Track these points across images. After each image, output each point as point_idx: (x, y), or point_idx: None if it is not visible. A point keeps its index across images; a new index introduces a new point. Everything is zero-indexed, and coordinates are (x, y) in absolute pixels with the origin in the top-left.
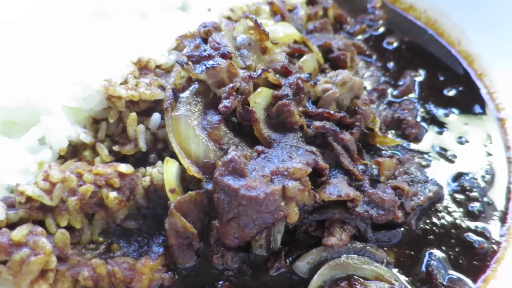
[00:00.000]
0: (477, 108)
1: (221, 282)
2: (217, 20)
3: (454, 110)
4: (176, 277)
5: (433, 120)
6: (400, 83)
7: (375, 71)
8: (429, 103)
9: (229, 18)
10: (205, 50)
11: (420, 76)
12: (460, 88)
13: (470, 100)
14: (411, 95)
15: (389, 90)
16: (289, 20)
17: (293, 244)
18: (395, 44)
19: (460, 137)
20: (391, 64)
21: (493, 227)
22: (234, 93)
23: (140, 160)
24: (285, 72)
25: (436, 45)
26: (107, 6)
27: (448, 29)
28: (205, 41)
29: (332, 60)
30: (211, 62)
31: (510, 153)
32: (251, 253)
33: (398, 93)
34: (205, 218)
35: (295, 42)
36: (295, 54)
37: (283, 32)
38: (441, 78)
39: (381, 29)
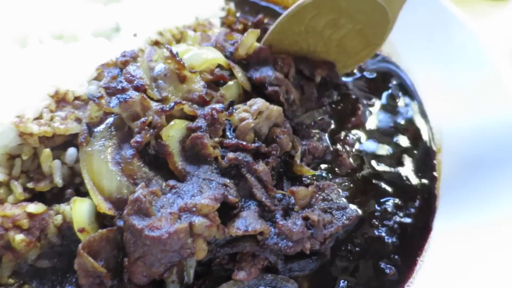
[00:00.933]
0: (418, 141)
1: None
2: (143, 46)
3: (398, 140)
4: None
5: (372, 151)
6: (350, 113)
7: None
8: (374, 135)
9: (157, 43)
10: (120, 82)
11: (373, 106)
12: (409, 114)
13: (413, 131)
14: (364, 128)
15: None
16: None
17: (207, 277)
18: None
19: (395, 167)
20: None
21: (407, 255)
22: (147, 127)
23: (57, 195)
24: (202, 102)
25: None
26: (29, 33)
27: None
28: (122, 72)
29: (267, 97)
30: (124, 95)
31: (436, 184)
32: None
33: (348, 125)
34: (119, 255)
35: (220, 68)
36: (220, 81)
37: (204, 58)
38: (394, 104)
39: None
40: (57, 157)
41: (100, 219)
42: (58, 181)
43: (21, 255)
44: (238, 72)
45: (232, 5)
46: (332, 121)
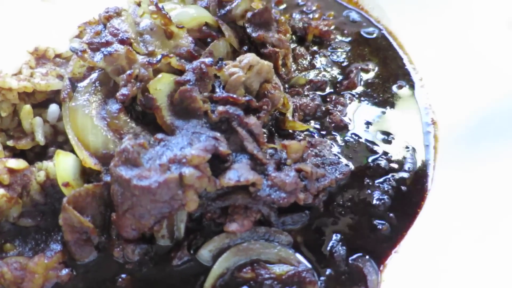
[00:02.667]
0: (411, 106)
1: (123, 276)
2: (127, 6)
3: (389, 107)
4: (75, 273)
5: (365, 114)
6: (345, 76)
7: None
8: (369, 98)
9: (139, 4)
10: (104, 36)
11: (367, 70)
12: (401, 83)
13: (408, 97)
14: (357, 90)
15: (333, 84)
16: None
17: (198, 233)
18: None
19: (387, 132)
20: (338, 58)
21: (400, 212)
22: (133, 81)
23: (39, 154)
24: (190, 57)
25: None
26: None
27: (369, 8)
28: (106, 27)
29: (264, 56)
30: (108, 48)
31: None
32: (155, 244)
33: (341, 87)
34: (107, 211)
35: (208, 26)
36: (207, 39)
37: (192, 15)
38: (385, 70)
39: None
40: (39, 115)
41: (86, 176)
42: (40, 139)
43: (2, 212)
44: (226, 30)
45: None
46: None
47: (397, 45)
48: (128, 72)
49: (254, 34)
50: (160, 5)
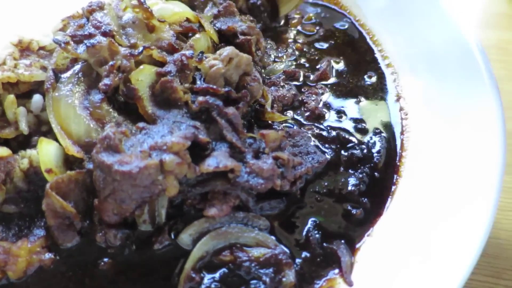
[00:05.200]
0: (381, 95)
1: (105, 259)
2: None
3: (362, 97)
4: (58, 258)
5: (338, 103)
6: (318, 66)
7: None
8: (341, 88)
9: None
10: (87, 29)
11: (338, 61)
12: (371, 73)
13: (378, 86)
14: (329, 81)
15: (306, 75)
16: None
17: (179, 218)
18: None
19: (360, 120)
20: (309, 49)
21: (373, 197)
22: (115, 71)
23: (23, 143)
24: (171, 50)
25: (345, 25)
26: None
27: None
28: (89, 20)
29: (238, 46)
30: (91, 40)
31: (403, 136)
32: (137, 230)
33: (314, 78)
34: (89, 198)
35: (188, 21)
36: (188, 33)
37: (173, 10)
38: (356, 61)
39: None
40: (23, 105)
41: (69, 164)
42: (24, 128)
43: None
44: (207, 25)
45: None
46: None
47: (366, 34)
48: (111, 63)
49: (223, 27)
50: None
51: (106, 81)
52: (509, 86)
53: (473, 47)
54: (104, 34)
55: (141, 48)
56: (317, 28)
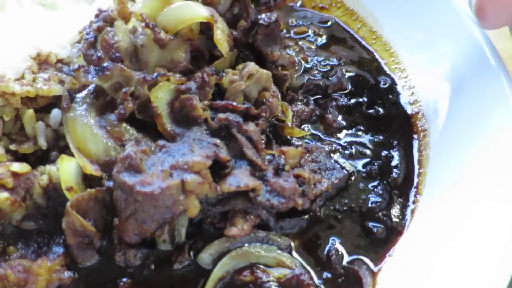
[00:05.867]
0: (396, 106)
1: (124, 279)
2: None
3: (379, 107)
4: (77, 276)
5: (356, 116)
6: (332, 79)
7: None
8: (358, 99)
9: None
10: (96, 51)
11: (351, 71)
12: (386, 85)
13: (395, 98)
14: (345, 91)
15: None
16: None
17: (198, 237)
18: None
19: (376, 134)
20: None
21: (395, 216)
22: (129, 98)
23: (41, 158)
24: (188, 72)
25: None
26: None
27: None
28: (98, 40)
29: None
30: (101, 67)
31: (418, 152)
32: (156, 249)
33: (331, 89)
34: (108, 216)
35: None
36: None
37: (179, 18)
38: (365, 69)
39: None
40: (41, 119)
41: (88, 182)
42: (42, 143)
43: (5, 215)
44: (218, 29)
45: None
46: (320, 83)
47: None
48: (124, 90)
49: (266, 51)
50: (151, 22)
51: (121, 110)
52: None
53: (495, 66)
54: (113, 59)
55: (155, 74)
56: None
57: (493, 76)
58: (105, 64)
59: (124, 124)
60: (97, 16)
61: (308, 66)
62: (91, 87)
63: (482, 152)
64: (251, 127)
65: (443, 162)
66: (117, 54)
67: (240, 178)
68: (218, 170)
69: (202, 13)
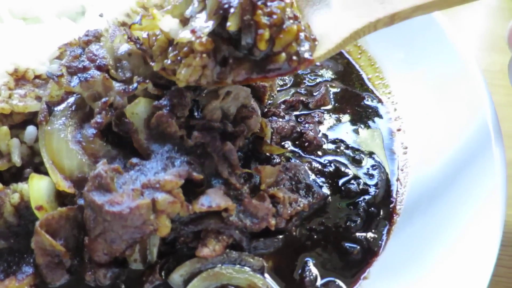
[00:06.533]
0: (380, 124)
1: None
2: (109, 27)
3: (361, 124)
4: None
5: (338, 132)
6: (316, 94)
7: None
8: (340, 115)
9: (124, 24)
10: (82, 61)
11: (335, 86)
12: (370, 100)
13: (377, 115)
14: (328, 107)
15: (305, 102)
16: None
17: (171, 256)
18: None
19: (357, 152)
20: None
21: (372, 236)
22: (108, 108)
23: (15, 175)
24: (167, 84)
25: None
26: None
27: None
28: (85, 51)
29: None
30: (85, 74)
31: (398, 170)
32: (127, 268)
33: (313, 104)
34: (80, 234)
35: None
36: None
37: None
38: (350, 85)
39: None
40: (16, 135)
41: (61, 199)
42: (17, 160)
43: None
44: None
45: None
46: (303, 99)
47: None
48: (103, 99)
49: None
50: (135, 36)
51: (97, 119)
52: None
53: (477, 84)
54: (99, 68)
55: (135, 85)
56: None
57: (474, 95)
58: (90, 72)
59: (99, 141)
60: (86, 35)
61: (295, 79)
62: (71, 100)
63: (461, 172)
64: (227, 145)
65: (422, 181)
66: (104, 62)
67: (212, 198)
68: (192, 187)
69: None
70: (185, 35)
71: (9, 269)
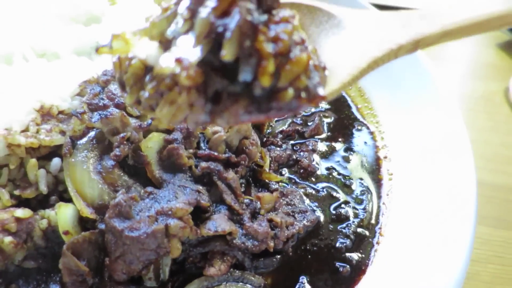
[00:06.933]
0: (366, 151)
1: None
2: None
3: (351, 152)
4: None
5: (330, 159)
6: (310, 124)
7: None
8: (332, 143)
9: None
10: (102, 99)
11: (328, 117)
12: (360, 129)
13: (366, 144)
14: (322, 136)
15: (300, 131)
16: None
17: (181, 275)
18: None
19: (347, 177)
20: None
21: (359, 256)
22: (125, 142)
23: (41, 202)
24: None
25: None
26: (14, 52)
27: None
28: (104, 90)
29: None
30: (105, 112)
31: (385, 195)
32: (142, 286)
33: (308, 134)
34: (100, 255)
35: None
36: None
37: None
38: (341, 114)
39: None
40: (42, 166)
41: (83, 223)
42: (43, 188)
43: (8, 256)
44: None
45: None
46: (299, 129)
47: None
48: (121, 134)
49: None
50: None
51: (116, 152)
52: (495, 137)
53: (454, 117)
54: (117, 106)
55: (149, 121)
56: None
57: (451, 127)
58: (109, 109)
59: (117, 171)
60: (104, 74)
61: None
62: (92, 134)
63: (443, 198)
64: (230, 175)
65: (405, 205)
66: (121, 101)
67: (218, 223)
68: (200, 213)
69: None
70: (167, 64)
71: (38, 287)
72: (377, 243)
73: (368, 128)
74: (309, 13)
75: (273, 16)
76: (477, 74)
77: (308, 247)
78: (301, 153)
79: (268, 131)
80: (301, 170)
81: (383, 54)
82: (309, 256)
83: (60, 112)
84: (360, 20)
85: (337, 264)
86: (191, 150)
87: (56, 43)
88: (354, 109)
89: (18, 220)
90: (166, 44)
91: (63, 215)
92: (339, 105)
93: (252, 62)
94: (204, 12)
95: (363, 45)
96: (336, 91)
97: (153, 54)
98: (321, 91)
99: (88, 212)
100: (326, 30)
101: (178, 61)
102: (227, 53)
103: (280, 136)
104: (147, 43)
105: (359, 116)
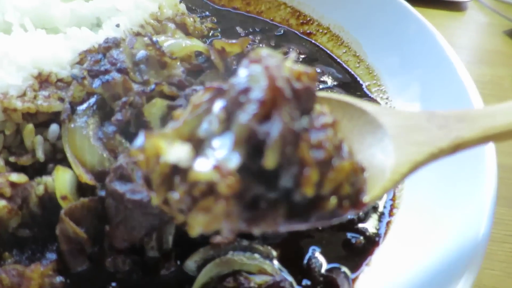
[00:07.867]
0: None
1: (113, 284)
2: (125, 36)
3: None
4: (68, 281)
5: None
6: None
7: None
8: None
9: (138, 34)
10: (103, 65)
11: (337, 93)
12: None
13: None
14: None
15: None
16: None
17: (185, 244)
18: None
19: None
20: None
21: (373, 227)
22: (127, 107)
23: (38, 170)
24: (181, 86)
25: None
26: (13, 22)
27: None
28: (105, 56)
29: None
30: (107, 76)
31: None
32: (144, 255)
33: None
34: (100, 224)
35: (200, 54)
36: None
37: (184, 44)
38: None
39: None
40: (40, 133)
41: (82, 192)
42: (40, 155)
43: (2, 222)
44: (216, 59)
45: None
46: None
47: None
48: (124, 99)
49: None
50: (154, 38)
51: (118, 116)
52: None
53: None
54: (119, 70)
55: (153, 86)
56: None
57: (463, 100)
58: (111, 74)
59: (118, 137)
60: (106, 42)
61: None
62: (92, 100)
63: (457, 170)
64: None
65: (418, 179)
66: (124, 66)
67: None
68: None
69: (202, 44)
70: (205, 169)
71: (33, 256)
72: (390, 214)
73: (378, 103)
74: (340, 108)
75: (312, 120)
76: (484, 60)
77: None
78: None
79: None
80: None
81: (424, 158)
82: (320, 228)
83: (59, 80)
84: (394, 119)
85: (350, 235)
86: None
87: (57, 17)
88: (363, 86)
89: (13, 184)
90: (196, 142)
91: (61, 179)
92: (347, 81)
93: (294, 170)
94: (244, 117)
95: (402, 148)
96: (377, 197)
97: (185, 158)
98: (365, 199)
99: (87, 178)
100: (359, 127)
101: (218, 168)
102: (269, 161)
103: None
104: (180, 148)
105: (368, 93)
